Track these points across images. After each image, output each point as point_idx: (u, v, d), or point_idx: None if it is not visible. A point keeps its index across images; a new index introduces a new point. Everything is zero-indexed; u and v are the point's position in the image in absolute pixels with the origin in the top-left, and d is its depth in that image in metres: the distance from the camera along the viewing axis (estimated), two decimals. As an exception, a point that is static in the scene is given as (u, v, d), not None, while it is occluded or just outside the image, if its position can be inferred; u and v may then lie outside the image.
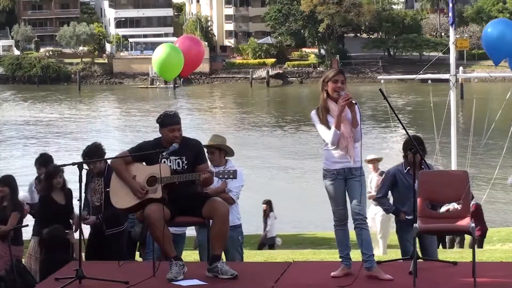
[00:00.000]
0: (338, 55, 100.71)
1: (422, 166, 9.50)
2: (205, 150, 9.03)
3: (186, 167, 8.42)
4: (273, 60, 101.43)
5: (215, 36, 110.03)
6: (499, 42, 16.11)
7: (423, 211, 8.35)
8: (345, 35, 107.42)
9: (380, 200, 10.36)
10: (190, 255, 13.85)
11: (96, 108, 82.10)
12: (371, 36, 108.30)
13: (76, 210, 10.24)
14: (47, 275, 9.07)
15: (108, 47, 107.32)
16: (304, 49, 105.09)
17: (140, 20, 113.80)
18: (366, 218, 8.26)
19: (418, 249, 9.25)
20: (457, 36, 57.52)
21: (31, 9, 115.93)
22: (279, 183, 42.08)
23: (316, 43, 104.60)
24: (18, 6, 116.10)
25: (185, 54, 15.81)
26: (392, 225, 15.65)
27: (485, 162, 39.51)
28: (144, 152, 8.49)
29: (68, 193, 10.57)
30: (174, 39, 57.59)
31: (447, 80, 22.34)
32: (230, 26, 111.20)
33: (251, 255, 15.69)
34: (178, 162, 8.43)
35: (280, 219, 22.13)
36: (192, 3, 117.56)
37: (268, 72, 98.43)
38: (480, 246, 18.48)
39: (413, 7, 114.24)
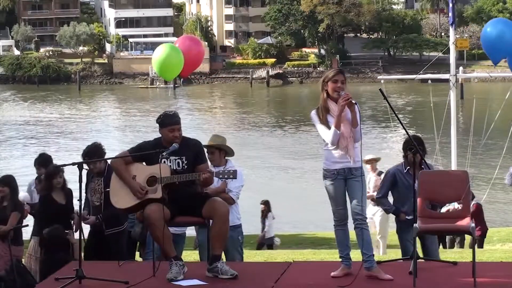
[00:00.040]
0: (338, 55, 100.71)
1: (422, 166, 9.50)
2: (205, 150, 9.03)
3: (186, 167, 8.42)
4: (273, 60, 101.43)
5: (215, 36, 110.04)
6: (498, 42, 16.09)
7: (423, 211, 8.35)
8: (345, 35, 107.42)
9: (380, 200, 10.36)
10: (190, 255, 13.85)
11: (96, 108, 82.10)
12: (371, 36, 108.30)
13: (77, 210, 10.26)
14: (47, 275, 9.07)
15: (108, 47, 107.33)
16: (304, 49, 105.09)
17: (140, 20, 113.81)
18: (366, 218, 8.27)
19: (418, 249, 9.25)
20: (457, 36, 57.46)
21: (31, 9, 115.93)
22: (279, 183, 42.07)
23: (316, 43, 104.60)
24: (18, 6, 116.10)
25: (185, 54, 15.81)
26: (391, 225, 15.67)
27: (485, 162, 39.50)
28: (144, 152, 8.49)
29: (69, 193, 10.58)
30: (174, 39, 57.59)
31: (447, 80, 22.33)
32: (230, 26, 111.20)
33: (251, 255, 15.69)
34: (178, 162, 8.43)
35: (280, 219, 22.14)
36: (192, 3, 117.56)
37: (268, 72, 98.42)
38: (480, 246, 18.48)
39: (413, 7, 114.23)
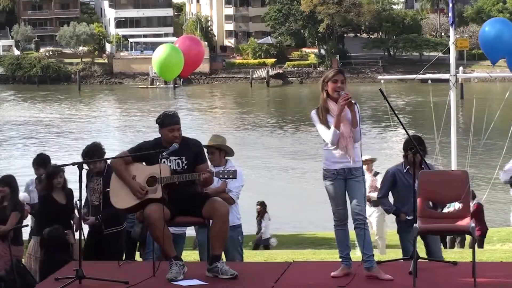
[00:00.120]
0: (338, 55, 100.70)
1: (422, 166, 9.49)
2: (205, 150, 9.03)
3: (186, 167, 8.41)
4: (273, 60, 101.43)
5: (215, 36, 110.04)
6: (496, 42, 16.08)
7: (423, 211, 8.35)
8: (345, 35, 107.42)
9: (380, 200, 10.35)
10: (190, 255, 13.85)
11: (96, 108, 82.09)
12: (371, 36, 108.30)
13: (76, 210, 10.27)
14: (47, 275, 9.07)
15: (108, 47, 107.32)
16: (304, 49, 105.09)
17: (140, 20, 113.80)
18: (366, 218, 8.27)
19: (418, 249, 9.24)
20: (457, 36, 57.45)
21: (31, 9, 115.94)
22: (279, 183, 42.07)
23: (316, 43, 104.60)
24: (18, 6, 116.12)
25: (185, 54, 15.80)
26: (388, 225, 15.67)
27: (485, 162, 39.48)
28: (144, 152, 8.49)
29: (69, 193, 10.58)
30: (174, 39, 57.63)
31: (447, 80, 22.34)
32: (230, 26, 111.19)
33: (251, 255, 15.70)
34: (178, 162, 8.43)
35: (280, 219, 22.16)
36: (192, 3, 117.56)
37: (268, 72, 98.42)
38: (480, 246, 18.49)
39: (413, 7, 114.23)
